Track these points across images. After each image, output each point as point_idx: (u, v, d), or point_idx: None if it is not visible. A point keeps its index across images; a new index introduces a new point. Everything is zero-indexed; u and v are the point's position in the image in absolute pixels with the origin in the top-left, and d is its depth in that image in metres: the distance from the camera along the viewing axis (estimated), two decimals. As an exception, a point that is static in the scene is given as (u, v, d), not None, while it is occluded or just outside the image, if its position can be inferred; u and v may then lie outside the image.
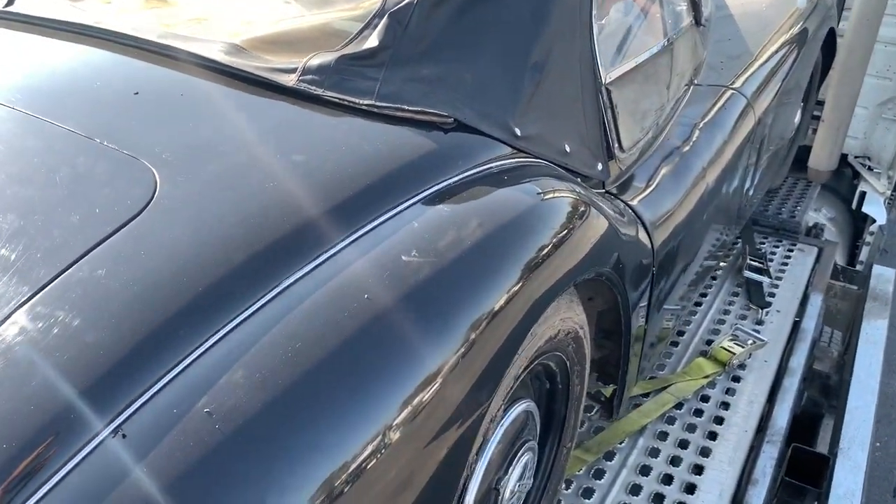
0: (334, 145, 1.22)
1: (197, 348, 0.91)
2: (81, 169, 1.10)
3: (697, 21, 2.35)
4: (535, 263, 1.23)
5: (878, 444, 4.44)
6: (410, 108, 1.31)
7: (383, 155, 1.22)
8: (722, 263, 3.02)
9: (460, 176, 1.26)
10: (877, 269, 3.02)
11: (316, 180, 1.14)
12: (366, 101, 1.30)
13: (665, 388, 2.29)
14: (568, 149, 1.55)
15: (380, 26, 1.35)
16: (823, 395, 2.98)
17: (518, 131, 1.41)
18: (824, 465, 2.06)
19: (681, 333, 2.60)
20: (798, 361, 2.50)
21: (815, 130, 4.40)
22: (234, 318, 0.95)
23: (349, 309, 0.98)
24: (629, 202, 1.75)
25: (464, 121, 1.34)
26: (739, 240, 3.13)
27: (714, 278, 2.94)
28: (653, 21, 2.04)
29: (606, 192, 1.75)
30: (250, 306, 0.96)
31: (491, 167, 1.33)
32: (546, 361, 1.49)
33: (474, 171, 1.29)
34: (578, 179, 1.57)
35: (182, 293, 0.95)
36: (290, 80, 1.31)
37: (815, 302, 2.83)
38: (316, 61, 1.32)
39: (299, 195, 1.10)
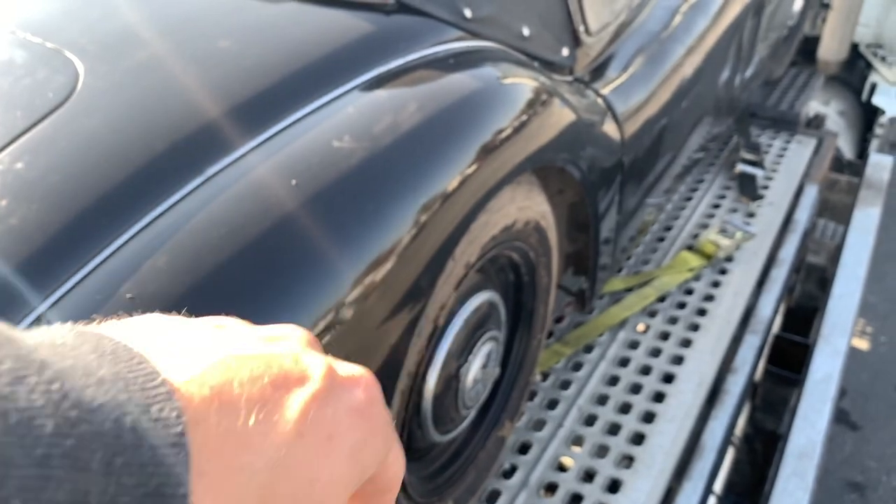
0: (267, 30, 1.18)
1: (119, 237, 0.90)
2: (2, 63, 1.07)
3: None
4: (483, 148, 1.19)
5: (883, 338, 4.46)
6: (350, -9, 1.26)
7: (317, 40, 1.18)
8: (714, 158, 2.96)
9: (402, 60, 1.22)
10: (874, 157, 2.94)
11: (244, 66, 1.10)
12: (300, -15, 1.25)
13: (648, 282, 2.28)
14: (527, 32, 1.49)
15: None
16: (820, 287, 2.96)
17: (468, 12, 1.36)
18: (806, 352, 2.06)
19: (668, 228, 2.58)
20: (788, 252, 2.47)
21: (824, 19, 4.23)
22: (158, 207, 0.94)
23: (276, 195, 0.96)
24: (600, 91, 1.70)
25: (406, 1, 1.29)
26: (734, 133, 3.05)
27: (706, 173, 2.89)
28: None
29: (575, 79, 1.70)
30: (174, 194, 0.94)
31: (437, 51, 1.29)
32: (507, 252, 1.47)
33: (417, 55, 1.24)
34: (539, 66, 1.52)
35: (105, 182, 0.94)
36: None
37: (810, 193, 2.77)
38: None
39: (226, 82, 1.07)
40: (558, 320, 2.14)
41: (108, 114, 1.01)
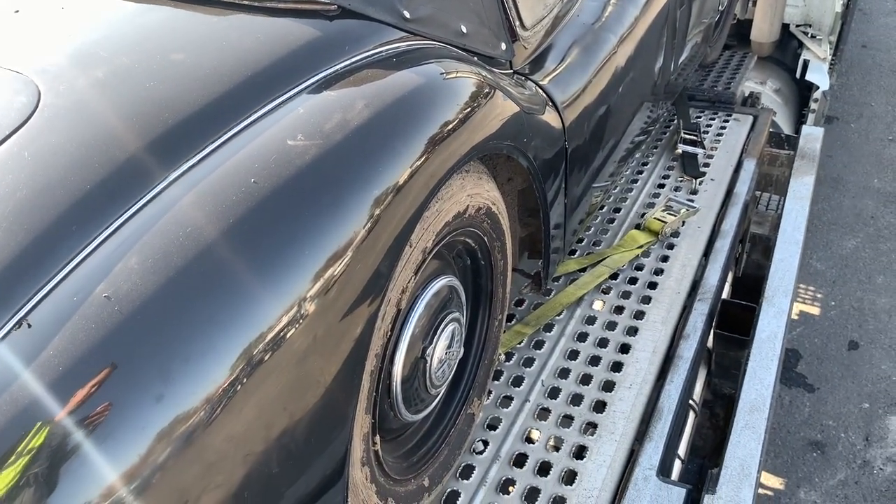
0: (215, 42, 1.25)
1: (90, 242, 0.96)
2: (-35, 88, 1.12)
3: None
4: (430, 140, 1.27)
5: (832, 302, 4.64)
6: None
7: (265, 48, 1.25)
8: (657, 140, 3.09)
9: (347, 62, 1.29)
10: (806, 130, 3.10)
11: (196, 76, 1.17)
12: (244, -7, 1.32)
13: (600, 261, 2.39)
14: (465, 29, 1.58)
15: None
16: (765, 256, 3.10)
17: (407, 13, 1.44)
18: (752, 315, 2.18)
19: (616, 210, 2.69)
20: (730, 224, 2.59)
21: (755, 3, 4.41)
22: (125, 212, 1.00)
23: (237, 193, 1.03)
24: (539, 82, 1.79)
25: (348, 7, 1.37)
26: (675, 116, 3.18)
27: (650, 156, 3.01)
28: None
29: (515, 72, 1.79)
30: (139, 199, 1.01)
31: (380, 52, 1.36)
32: (462, 238, 1.56)
33: (362, 56, 1.32)
34: (479, 61, 1.61)
35: (71, 192, 1.00)
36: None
37: (749, 167, 2.91)
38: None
39: (182, 91, 1.14)
40: (518, 303, 2.23)
41: (70, 129, 1.07)
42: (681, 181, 2.84)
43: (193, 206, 1.01)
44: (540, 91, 1.79)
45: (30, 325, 0.91)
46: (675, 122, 3.17)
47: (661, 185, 2.83)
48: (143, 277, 0.94)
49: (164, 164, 1.05)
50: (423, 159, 1.25)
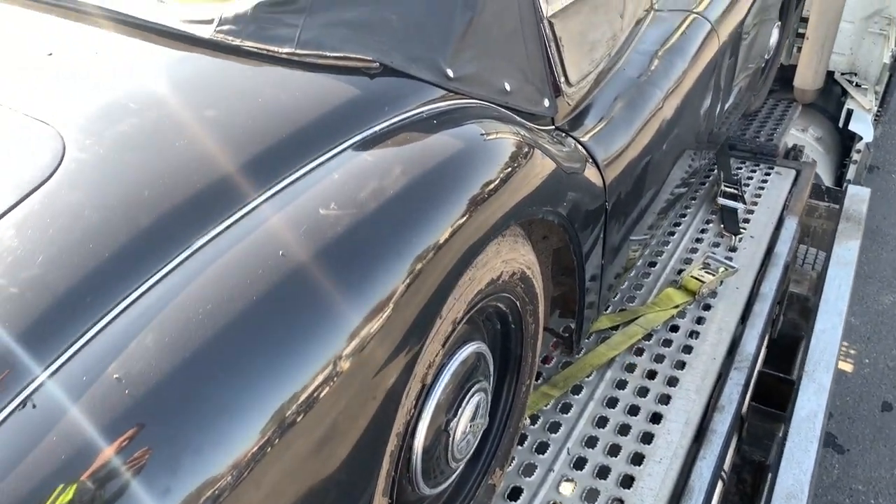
0: (252, 97, 1.20)
1: (104, 315, 0.91)
2: (-12, 137, 1.08)
3: (655, -57, 2.27)
4: (467, 208, 1.21)
5: (867, 360, 4.49)
6: (332, 55, 1.27)
7: (303, 105, 1.19)
8: (696, 191, 3.00)
9: (386, 123, 1.24)
10: (851, 189, 2.99)
11: (231, 135, 1.12)
12: (286, 50, 1.27)
13: (634, 319, 2.30)
14: (508, 87, 1.52)
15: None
16: (803, 317, 3.00)
17: (450, 72, 1.38)
18: (791, 388, 2.08)
19: (652, 264, 2.60)
20: (770, 287, 2.50)
21: (799, 49, 4.32)
22: (143, 283, 0.94)
23: (263, 267, 0.97)
24: (580, 139, 1.73)
25: (391, 65, 1.31)
26: (715, 166, 3.10)
27: (688, 207, 2.92)
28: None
29: (557, 128, 1.72)
30: (159, 270, 0.95)
31: (421, 112, 1.31)
32: (494, 303, 1.49)
33: (402, 116, 1.26)
34: (521, 119, 1.55)
35: (87, 260, 0.94)
36: (207, 32, 1.28)
37: (790, 226, 2.81)
38: (233, 10, 1.28)
39: (212, 152, 1.08)
40: (545, 360, 2.15)
41: (92, 189, 1.02)
42: (719, 237, 2.75)
43: (216, 280, 0.95)
44: (580, 148, 1.72)
45: (34, 406, 0.85)
46: (716, 172, 3.08)
47: (699, 240, 2.74)
48: (157, 357, 0.88)
49: (187, 233, 0.99)
50: (459, 228, 1.18)
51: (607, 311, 2.35)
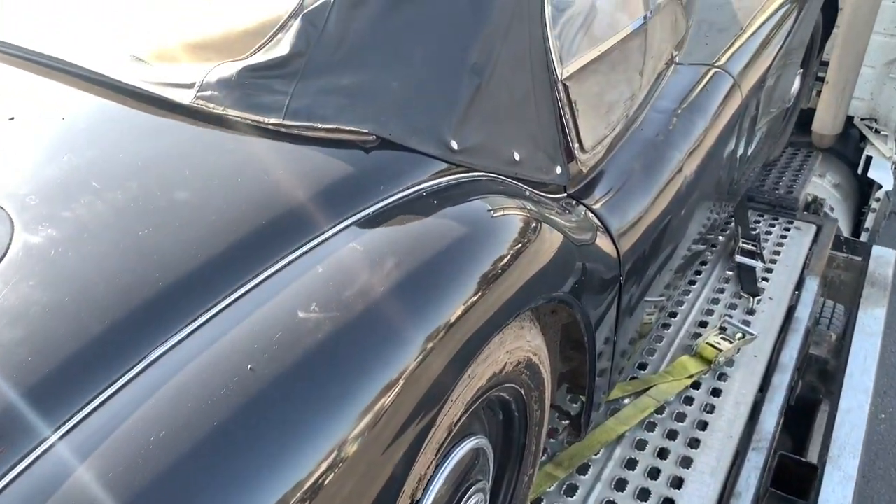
0: (230, 176, 1.08)
1: (38, 445, 0.78)
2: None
3: (678, -7, 2.16)
4: (468, 301, 1.08)
5: (883, 415, 4.32)
6: (324, 126, 1.15)
7: (287, 185, 1.07)
8: (713, 245, 2.87)
9: (381, 203, 1.11)
10: (876, 251, 2.85)
11: (202, 222, 0.99)
12: (273, 120, 1.15)
13: (645, 390, 2.16)
14: (517, 157, 1.40)
15: (291, 30, 1.20)
16: (821, 380, 2.85)
17: (455, 144, 1.26)
18: (813, 473, 1.93)
19: (666, 326, 2.47)
20: (790, 355, 2.36)
21: (818, 93, 4.21)
22: (90, 403, 0.82)
23: (227, 385, 0.84)
24: (592, 206, 1.60)
25: (389, 137, 1.19)
26: (732, 219, 2.97)
27: (704, 263, 2.79)
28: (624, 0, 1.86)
29: (569, 195, 1.60)
30: (107, 388, 0.83)
31: (420, 189, 1.18)
32: (496, 395, 1.35)
33: (399, 195, 1.14)
34: (529, 190, 1.42)
35: (29, 373, 0.82)
36: (187, 97, 1.16)
37: (811, 287, 2.67)
38: (217, 74, 1.17)
39: (179, 242, 0.96)
40: (550, 434, 2.01)
41: (40, 284, 0.90)
42: (737, 298, 2.61)
43: (171, 400, 0.82)
44: (593, 218, 1.59)
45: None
46: (733, 226, 2.94)
47: (716, 301, 2.61)
48: (102, 491, 0.76)
49: (143, 341, 0.87)
50: (457, 325, 1.05)
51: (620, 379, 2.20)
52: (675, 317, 2.51)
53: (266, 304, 0.92)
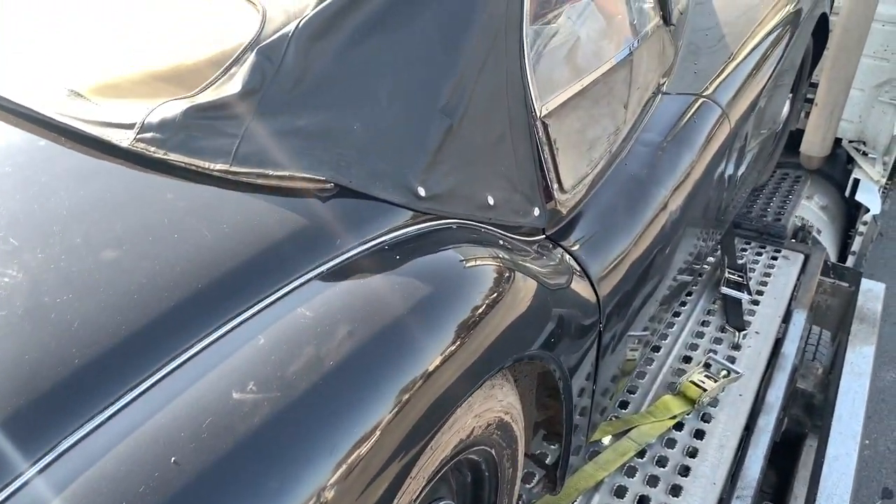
0: (165, 232, 0.97)
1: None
2: None
3: (666, 20, 2.08)
4: (428, 372, 0.98)
5: (867, 441, 4.25)
6: (276, 174, 1.05)
7: (230, 242, 0.97)
8: (699, 276, 2.79)
9: (336, 261, 1.01)
10: (865, 284, 2.78)
11: (127, 288, 0.89)
12: (219, 166, 1.04)
13: (626, 431, 2.07)
14: (491, 201, 1.30)
15: (245, 64, 1.10)
16: (807, 414, 2.77)
17: (422, 191, 1.16)
18: (799, 525, 1.85)
19: (648, 361, 2.38)
20: (776, 394, 2.27)
21: (807, 114, 4.16)
22: (-13, 505, 0.71)
23: (147, 482, 0.74)
24: (571, 249, 1.51)
25: (349, 185, 1.09)
26: (719, 248, 2.89)
27: (689, 293, 2.71)
28: (609, 29, 1.78)
29: (547, 237, 1.51)
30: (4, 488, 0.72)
31: (382, 241, 1.09)
32: (464, 457, 1.26)
33: (356, 250, 1.04)
34: (503, 235, 1.33)
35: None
36: (126, 139, 1.06)
37: (798, 321, 2.60)
38: (160, 114, 1.06)
39: (98, 311, 0.86)
40: (526, 479, 1.92)
41: None
42: (722, 332, 2.53)
43: (81, 500, 0.72)
44: (571, 261, 1.50)
45: None
46: (719, 254, 2.86)
47: (700, 335, 2.52)
48: None
49: (52, 428, 0.76)
50: (417, 402, 0.96)
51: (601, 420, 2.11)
52: (658, 351, 2.42)
53: (196, 383, 0.82)
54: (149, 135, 1.05)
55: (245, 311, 0.91)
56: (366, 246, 1.06)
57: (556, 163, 1.45)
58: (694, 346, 2.47)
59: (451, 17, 1.22)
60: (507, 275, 1.22)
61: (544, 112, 1.41)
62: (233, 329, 0.88)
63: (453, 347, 1.02)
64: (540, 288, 1.29)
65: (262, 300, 0.93)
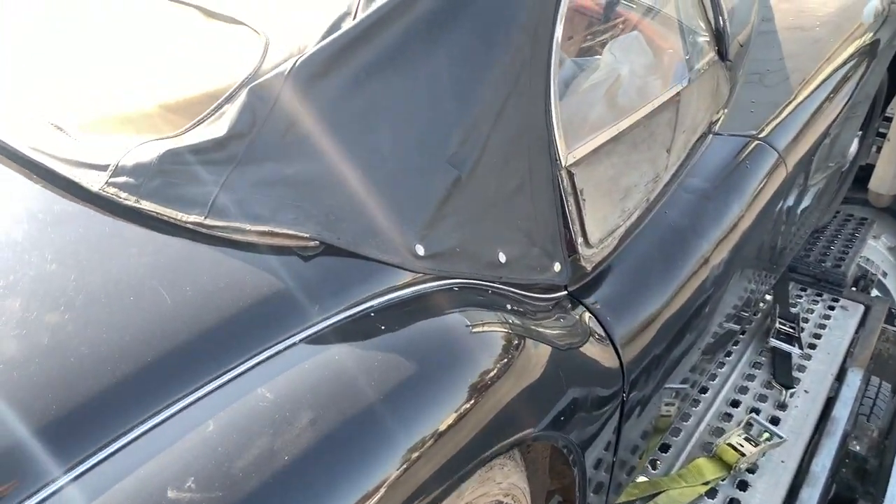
0: (123, 295, 0.88)
1: None
2: None
3: (723, 55, 1.92)
4: (403, 471, 0.87)
5: None
6: (253, 229, 0.95)
7: (187, 309, 0.87)
8: (748, 324, 2.60)
9: (308, 332, 0.91)
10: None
11: (72, 359, 0.80)
12: (192, 218, 0.95)
13: (654, 495, 1.92)
14: (503, 258, 1.18)
15: (236, 104, 1.00)
16: (858, 478, 2.56)
17: (420, 250, 1.05)
18: None
19: (684, 417, 2.22)
20: (823, 463, 2.09)
21: (878, 149, 3.91)
22: None
23: None
24: (594, 308, 1.37)
25: (336, 243, 0.99)
26: (771, 293, 2.70)
27: (736, 342, 2.53)
28: (656, 65, 1.64)
29: (569, 293, 1.38)
30: None
31: (369, 307, 0.98)
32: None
33: (335, 318, 0.94)
34: (514, 295, 1.21)
35: None
36: (96, 182, 0.97)
37: (853, 382, 2.40)
38: (135, 156, 0.98)
39: (35, 385, 0.77)
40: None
41: None
42: (767, 387, 2.35)
43: None
44: (593, 321, 1.36)
45: None
46: (770, 302, 2.67)
47: (743, 389, 2.35)
48: None
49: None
50: (391, 498, 0.84)
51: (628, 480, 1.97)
52: (696, 405, 2.25)
53: (126, 477, 0.73)
54: (122, 179, 0.96)
55: (195, 390, 0.81)
56: (348, 313, 0.95)
57: (581, 214, 1.32)
58: (735, 403, 2.29)
59: (469, 57, 1.10)
60: (515, 342, 1.10)
61: (571, 160, 1.29)
62: (178, 413, 0.79)
63: (432, 443, 0.90)
64: (551, 358, 1.17)
65: (217, 378, 0.83)
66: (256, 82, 1.02)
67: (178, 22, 1.19)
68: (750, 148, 1.89)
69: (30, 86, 1.18)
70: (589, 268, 1.38)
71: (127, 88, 1.11)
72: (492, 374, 1.03)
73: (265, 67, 1.07)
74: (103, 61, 1.18)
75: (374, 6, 1.06)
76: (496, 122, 1.13)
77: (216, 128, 0.99)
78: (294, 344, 0.89)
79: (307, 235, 0.96)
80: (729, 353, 2.47)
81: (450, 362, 0.97)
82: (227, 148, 0.98)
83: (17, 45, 1.26)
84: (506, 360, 1.07)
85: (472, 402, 0.98)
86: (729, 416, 2.24)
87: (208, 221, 0.94)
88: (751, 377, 2.40)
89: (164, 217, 0.95)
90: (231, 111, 1.00)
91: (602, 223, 1.39)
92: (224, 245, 0.94)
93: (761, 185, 1.85)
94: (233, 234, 0.95)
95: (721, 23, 1.83)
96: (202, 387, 0.81)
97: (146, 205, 0.95)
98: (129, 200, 0.95)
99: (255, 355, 0.86)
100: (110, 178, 0.97)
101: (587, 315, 1.36)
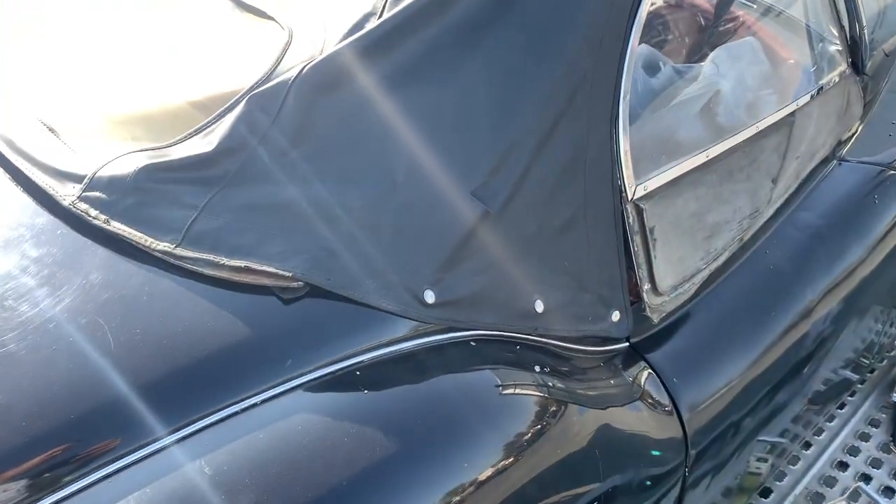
0: (60, 336, 0.76)
1: None
2: None
3: (858, 67, 1.63)
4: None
5: None
6: (229, 263, 0.82)
7: (134, 359, 0.75)
8: (868, 372, 2.27)
9: (271, 392, 0.77)
10: None
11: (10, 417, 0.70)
12: (162, 245, 0.83)
13: (729, 567, 1.68)
14: (540, 307, 1.00)
15: (231, 117, 0.88)
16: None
17: (430, 296, 0.89)
18: None
19: (780, 476, 1.95)
20: (942, 553, 1.77)
21: None
22: None
23: None
24: (657, 365, 1.17)
25: (323, 285, 0.84)
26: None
27: (852, 394, 2.21)
28: (770, 78, 1.39)
29: (631, 345, 1.18)
30: None
31: (356, 363, 0.83)
32: None
33: (306, 378, 0.79)
34: (554, 350, 1.03)
35: None
36: (68, 196, 0.87)
37: None
38: (112, 169, 0.87)
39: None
40: None
41: None
42: (884, 451, 2.03)
43: None
44: (654, 382, 1.16)
45: None
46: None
47: (854, 450, 2.04)
48: None
49: None
50: None
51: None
52: (794, 463, 1.98)
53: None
54: (95, 194, 0.86)
55: (119, 458, 0.69)
56: (327, 370, 0.80)
57: (650, 256, 1.12)
58: (843, 465, 1.99)
59: (510, 69, 0.92)
60: (551, 408, 0.93)
61: (640, 193, 1.08)
62: (92, 485, 0.67)
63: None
64: (596, 427, 0.99)
65: (149, 444, 0.70)
66: (258, 91, 0.88)
67: (203, 13, 1.08)
68: (881, 179, 1.60)
69: (27, 81, 1.10)
70: (656, 319, 1.18)
71: (130, 88, 1.01)
72: (513, 450, 0.86)
73: (279, 70, 0.94)
74: (109, 56, 1.08)
75: (401, 5, 0.90)
76: (541, 147, 0.95)
77: (207, 141, 0.87)
78: (250, 407, 0.76)
79: (289, 275, 0.83)
80: (842, 406, 2.16)
81: (437, 444, 0.81)
82: (216, 165, 0.86)
83: (21, 40, 1.19)
84: (533, 431, 0.90)
85: (483, 487, 0.81)
86: (833, 481, 1.95)
87: (178, 251, 0.82)
88: (865, 436, 2.08)
89: (134, 242, 0.84)
90: (225, 122, 0.88)
91: (677, 266, 1.18)
92: (194, 280, 0.82)
93: (890, 226, 1.56)
94: (204, 267, 0.82)
95: (857, 29, 1.55)
96: (126, 455, 0.69)
97: (116, 226, 0.84)
98: (98, 220, 0.85)
99: (195, 421, 0.73)
100: (83, 191, 0.87)
101: (646, 373, 1.16)
